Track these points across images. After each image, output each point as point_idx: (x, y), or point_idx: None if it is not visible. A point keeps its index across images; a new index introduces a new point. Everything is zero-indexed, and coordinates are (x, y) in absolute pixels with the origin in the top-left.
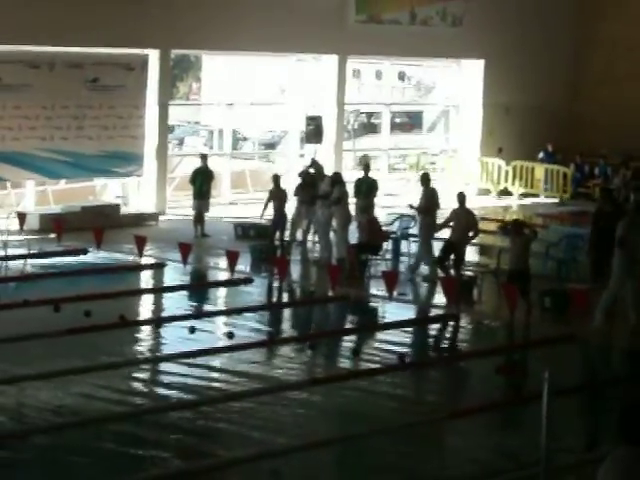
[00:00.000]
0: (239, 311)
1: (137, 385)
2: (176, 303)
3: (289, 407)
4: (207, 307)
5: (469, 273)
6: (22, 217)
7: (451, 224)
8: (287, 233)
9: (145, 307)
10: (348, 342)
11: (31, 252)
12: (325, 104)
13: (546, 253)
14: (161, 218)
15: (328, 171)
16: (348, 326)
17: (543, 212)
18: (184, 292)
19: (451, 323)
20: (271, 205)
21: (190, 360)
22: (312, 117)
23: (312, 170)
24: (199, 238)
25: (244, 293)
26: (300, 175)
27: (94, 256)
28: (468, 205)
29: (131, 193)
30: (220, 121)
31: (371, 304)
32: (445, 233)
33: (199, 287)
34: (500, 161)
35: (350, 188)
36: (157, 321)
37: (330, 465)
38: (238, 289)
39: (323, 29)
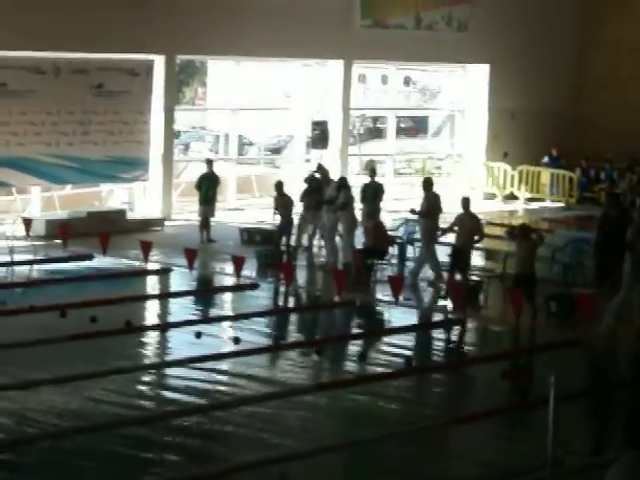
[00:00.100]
0: (245, 316)
1: (143, 390)
2: (182, 308)
3: (295, 412)
4: (213, 312)
5: (475, 278)
6: (28, 223)
7: (455, 229)
8: (293, 238)
9: (151, 312)
10: (354, 347)
11: (37, 258)
12: (331, 109)
13: (552, 257)
14: (167, 223)
15: (334, 176)
16: (354, 331)
17: (549, 216)
18: (190, 297)
19: (457, 328)
20: (274, 210)
21: (196, 365)
22: (318, 122)
23: (318, 175)
24: (205, 243)
25: (250, 298)
26: (306, 180)
27: (100, 262)
28: (474, 210)
29: (137, 198)
30: (226, 126)
31: (377, 309)
32: (449, 238)
33: (205, 292)
34: (506, 166)
35: (356, 193)
36: (163, 326)
37: (335, 469)
38: (244, 294)
39: (328, 34)
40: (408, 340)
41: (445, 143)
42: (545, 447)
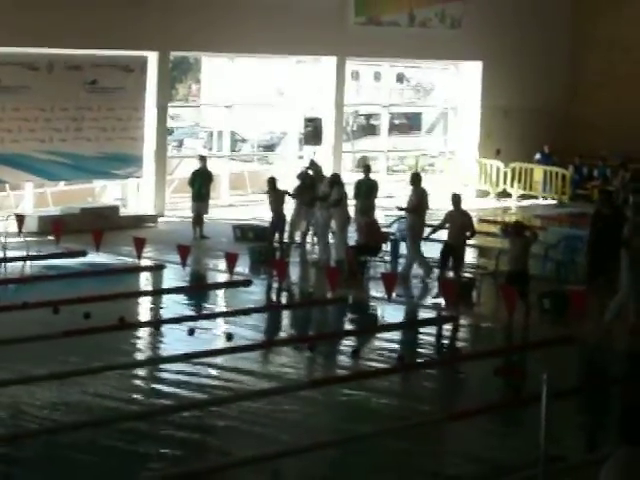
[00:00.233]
0: (238, 313)
1: (136, 386)
2: (175, 305)
3: (288, 408)
4: (206, 309)
5: (468, 275)
6: (21, 219)
7: (447, 226)
8: (286, 235)
9: (144, 309)
10: (347, 343)
11: (30, 254)
12: (324, 106)
13: (545, 255)
14: (160, 220)
15: (327, 172)
16: (347, 327)
17: (542, 214)
18: (183, 294)
19: (450, 324)
20: (269, 207)
21: (189, 361)
22: (311, 119)
23: (311, 172)
24: (198, 240)
25: (243, 295)
26: (299, 177)
27: (93, 258)
28: (467, 207)
29: (130, 195)
30: (219, 123)
31: (370, 305)
32: (440, 235)
33: (198, 289)
34: (499, 163)
35: (350, 189)
36: (156, 323)
37: (329, 464)
38: (237, 291)
39: (322, 31)
40: (401, 337)
41: (438, 140)
42: (538, 444)
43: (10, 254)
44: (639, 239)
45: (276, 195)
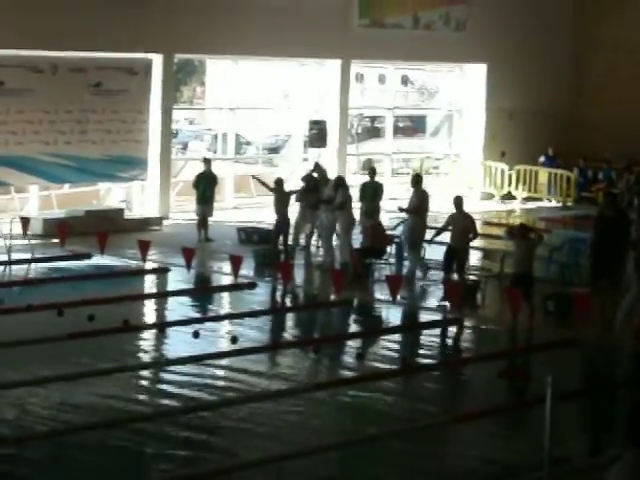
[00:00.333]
0: (243, 315)
1: (140, 389)
2: (180, 308)
3: (292, 411)
4: (211, 311)
5: (472, 277)
6: (25, 222)
7: (450, 228)
8: (290, 237)
9: (149, 312)
10: (352, 346)
11: (35, 257)
12: (328, 108)
13: (549, 257)
14: (165, 223)
15: (332, 175)
16: (352, 330)
17: (546, 216)
18: (188, 297)
19: (454, 327)
20: (274, 208)
21: (194, 364)
22: (315, 121)
23: (315, 174)
24: (203, 242)
25: (248, 297)
26: (303, 179)
27: (98, 260)
28: (472, 209)
29: (135, 197)
30: (224, 125)
31: (375, 308)
32: (444, 237)
33: (203, 292)
34: (503, 165)
35: (355, 192)
36: (161, 326)
37: (334, 465)
38: (242, 293)
39: (326, 33)
40: (405, 339)
41: (443, 143)
42: (542, 446)
43: (15, 257)
44: None
45: (281, 196)
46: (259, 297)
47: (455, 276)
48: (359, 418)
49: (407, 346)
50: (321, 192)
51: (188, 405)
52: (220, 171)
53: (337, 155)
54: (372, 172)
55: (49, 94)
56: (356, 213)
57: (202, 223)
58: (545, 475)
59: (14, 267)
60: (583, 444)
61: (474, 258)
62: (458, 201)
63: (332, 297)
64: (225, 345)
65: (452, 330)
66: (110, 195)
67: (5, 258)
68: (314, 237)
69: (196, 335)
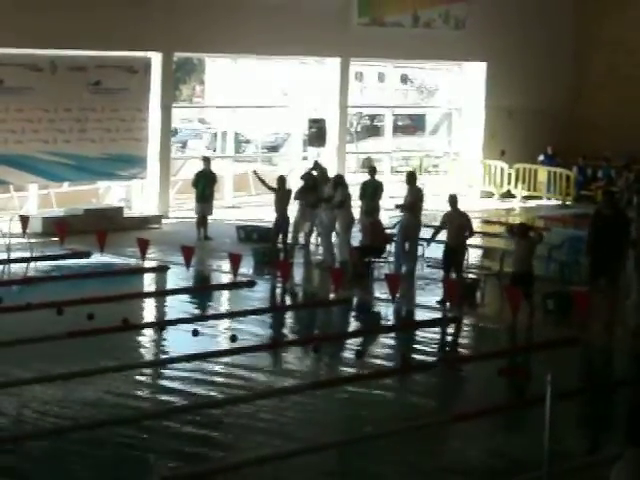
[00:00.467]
0: (242, 314)
1: (139, 388)
2: (179, 306)
3: (292, 410)
4: (210, 310)
5: (472, 276)
6: (25, 220)
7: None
8: (290, 236)
9: (148, 310)
10: (351, 344)
11: (34, 255)
12: (328, 107)
13: (549, 255)
14: (164, 221)
15: (331, 174)
16: (351, 328)
17: (546, 214)
18: (187, 295)
19: (453, 325)
20: (274, 206)
21: (193, 363)
22: (315, 120)
23: (315, 173)
24: (202, 241)
25: (247, 296)
26: (303, 178)
27: (97, 259)
28: (471, 208)
29: (134, 196)
30: (223, 124)
31: (374, 306)
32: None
33: (202, 290)
34: (503, 164)
35: (354, 190)
36: (160, 324)
37: (333, 464)
38: (241, 292)
39: (326, 32)
40: (405, 337)
41: (442, 141)
42: (542, 445)
43: (14, 255)
44: None
45: (282, 194)
46: (258, 295)
47: (453, 274)
48: (358, 416)
49: (407, 344)
50: (320, 190)
51: (195, 402)
52: (219, 169)
53: (336, 153)
54: (372, 171)
55: (48, 93)
56: (355, 211)
57: (201, 221)
58: (544, 473)
59: (13, 266)
60: (582, 442)
61: (474, 256)
62: (453, 199)
63: (331, 295)
64: (224, 343)
65: (452, 328)
66: (109, 193)
67: (4, 257)
68: (313, 235)
69: (195, 333)
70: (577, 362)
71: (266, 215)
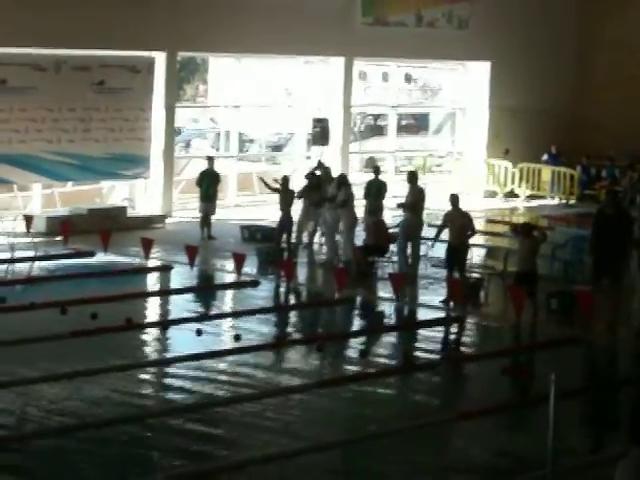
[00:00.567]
0: (246, 313)
1: (143, 387)
2: (183, 305)
3: (296, 409)
4: (214, 309)
5: (476, 275)
6: (29, 220)
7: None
8: (293, 235)
9: (152, 310)
10: (355, 344)
11: (38, 255)
12: (331, 106)
13: (552, 255)
14: (168, 220)
15: (334, 173)
16: (355, 328)
17: (549, 214)
18: (191, 294)
19: (456, 325)
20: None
21: (197, 362)
22: (318, 119)
23: (318, 172)
24: (206, 240)
25: (251, 295)
26: (306, 177)
27: (101, 258)
28: (475, 207)
29: (138, 196)
30: (227, 123)
31: (378, 306)
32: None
33: (206, 290)
34: (507, 163)
35: (358, 190)
36: (164, 324)
37: (336, 462)
38: (245, 291)
39: (329, 31)
40: (408, 337)
41: (446, 141)
42: (545, 444)
43: (18, 254)
44: None
45: (286, 195)
46: (262, 295)
47: (456, 274)
48: (362, 415)
49: (410, 343)
50: (324, 190)
51: (200, 400)
52: (223, 169)
53: (340, 153)
54: (376, 170)
55: (52, 92)
56: (359, 211)
57: (205, 221)
58: (548, 472)
59: (17, 265)
60: (586, 441)
61: (477, 256)
62: (454, 199)
63: (335, 295)
64: (228, 343)
65: (456, 328)
66: (113, 193)
67: (8, 256)
68: (317, 235)
69: (199, 333)
70: (580, 361)
71: (270, 215)
